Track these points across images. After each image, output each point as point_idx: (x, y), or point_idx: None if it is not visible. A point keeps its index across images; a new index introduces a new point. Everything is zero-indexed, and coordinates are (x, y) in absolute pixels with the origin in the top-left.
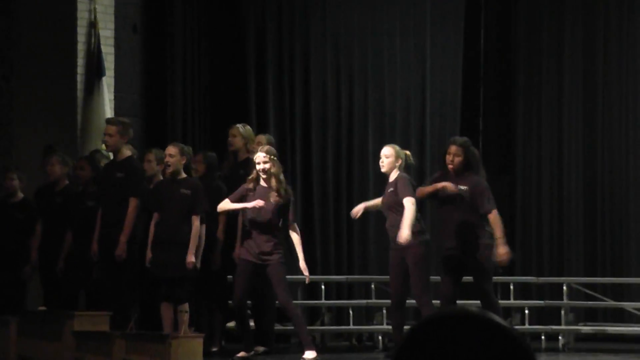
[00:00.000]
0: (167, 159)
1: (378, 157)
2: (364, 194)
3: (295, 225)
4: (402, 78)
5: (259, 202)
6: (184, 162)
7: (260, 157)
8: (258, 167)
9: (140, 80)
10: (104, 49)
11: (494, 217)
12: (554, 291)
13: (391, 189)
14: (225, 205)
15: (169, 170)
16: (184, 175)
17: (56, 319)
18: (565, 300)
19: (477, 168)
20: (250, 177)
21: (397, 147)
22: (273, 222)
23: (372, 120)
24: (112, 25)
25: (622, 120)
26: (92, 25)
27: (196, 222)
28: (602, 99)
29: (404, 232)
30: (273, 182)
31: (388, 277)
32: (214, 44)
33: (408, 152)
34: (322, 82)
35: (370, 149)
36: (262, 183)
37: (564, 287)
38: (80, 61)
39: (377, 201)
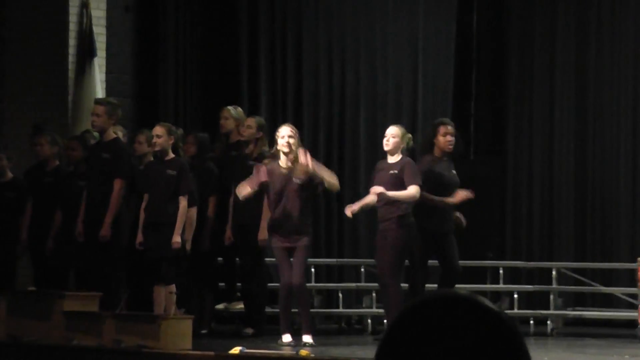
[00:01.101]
0: (155, 139)
1: (370, 139)
2: (355, 176)
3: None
4: (394, 60)
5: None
6: (171, 142)
7: (285, 130)
8: (281, 141)
9: (132, 61)
10: (95, 29)
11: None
12: (543, 276)
13: (394, 171)
14: (244, 190)
15: (155, 150)
16: (171, 155)
17: (46, 299)
18: (554, 285)
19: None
20: (270, 153)
21: (403, 128)
22: (300, 201)
23: (364, 103)
24: (104, 6)
25: (614, 105)
26: (84, 5)
27: (183, 202)
28: (594, 84)
29: (387, 193)
30: (298, 157)
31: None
32: (206, 24)
33: (410, 135)
34: (314, 64)
35: (361, 131)
36: (282, 161)
37: (553, 272)
38: (72, 41)
39: (373, 199)
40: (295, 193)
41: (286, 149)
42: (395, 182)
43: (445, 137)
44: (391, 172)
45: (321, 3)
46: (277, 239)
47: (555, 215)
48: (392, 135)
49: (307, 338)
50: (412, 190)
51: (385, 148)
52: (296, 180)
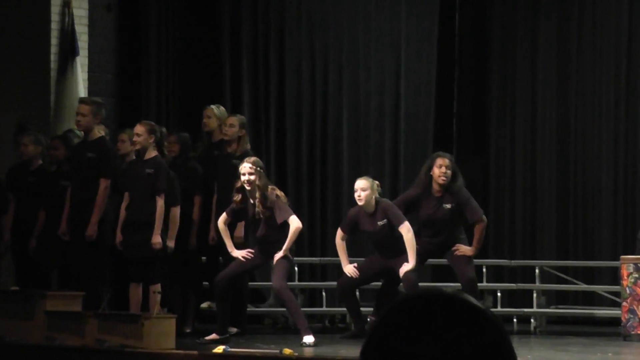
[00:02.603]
0: (135, 138)
1: (353, 139)
2: (337, 175)
3: (290, 220)
4: (376, 60)
5: (248, 254)
6: (151, 141)
7: (245, 167)
8: (243, 178)
9: (114, 60)
10: (77, 28)
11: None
12: (526, 274)
13: (381, 222)
14: (221, 225)
15: (135, 149)
16: (152, 154)
17: (29, 299)
18: (537, 283)
19: (461, 183)
20: (236, 190)
21: (370, 179)
22: (269, 234)
23: (347, 102)
24: (86, 5)
25: (596, 104)
26: (66, 4)
27: (159, 202)
28: (576, 83)
29: (411, 264)
30: (257, 195)
31: (361, 259)
32: (188, 23)
33: (378, 182)
34: (297, 63)
35: (344, 130)
36: (249, 197)
37: (536, 270)
38: (54, 40)
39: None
40: (265, 222)
41: (248, 187)
42: (387, 231)
43: (438, 169)
44: (379, 224)
45: (304, 2)
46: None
47: (537, 214)
48: (362, 188)
49: (307, 339)
50: (407, 234)
51: (359, 203)
52: (265, 214)
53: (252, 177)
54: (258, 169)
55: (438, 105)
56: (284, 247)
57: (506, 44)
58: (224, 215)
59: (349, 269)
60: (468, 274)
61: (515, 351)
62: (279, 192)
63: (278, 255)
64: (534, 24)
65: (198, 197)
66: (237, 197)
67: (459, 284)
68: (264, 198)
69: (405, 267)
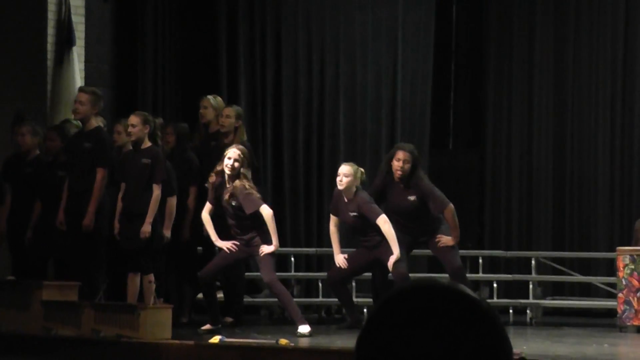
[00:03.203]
0: (130, 128)
1: (349, 130)
2: (334, 167)
3: (261, 210)
4: (373, 51)
5: (233, 246)
6: (146, 131)
7: (234, 152)
8: (227, 161)
9: (110, 50)
10: (74, 18)
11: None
12: (522, 265)
13: (354, 213)
14: (205, 215)
15: (131, 139)
16: (147, 144)
17: (25, 289)
18: (533, 275)
19: (421, 174)
20: (214, 171)
21: (355, 166)
22: (240, 221)
23: (343, 93)
24: None
25: (592, 97)
26: None
27: (156, 191)
28: (572, 75)
29: (395, 255)
30: (237, 182)
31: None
32: (185, 13)
33: (362, 170)
34: (294, 54)
35: (341, 121)
36: (226, 180)
37: (532, 261)
38: (51, 30)
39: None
40: (233, 212)
41: (229, 171)
42: (362, 223)
43: (393, 161)
44: (352, 214)
45: None
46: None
47: (533, 205)
48: (345, 174)
49: (302, 329)
50: (384, 226)
51: (340, 187)
52: (233, 203)
53: (237, 164)
54: (244, 157)
55: (434, 97)
56: (274, 241)
57: (503, 36)
58: (207, 205)
59: (340, 259)
60: (454, 262)
61: (511, 342)
62: (248, 184)
63: (268, 249)
64: (531, 16)
65: (194, 188)
66: (212, 179)
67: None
68: (239, 184)
69: (392, 259)
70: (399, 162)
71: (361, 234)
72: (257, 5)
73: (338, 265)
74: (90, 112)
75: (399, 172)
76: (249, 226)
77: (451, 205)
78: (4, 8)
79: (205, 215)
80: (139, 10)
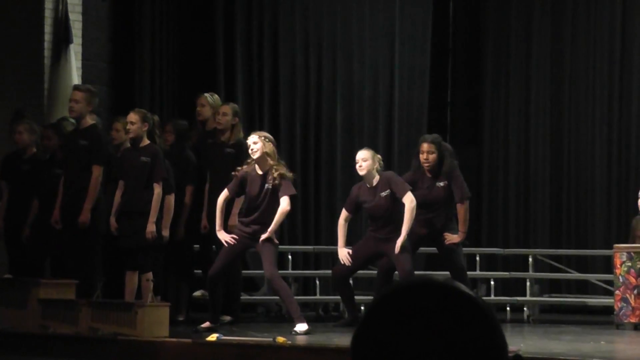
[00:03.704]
0: (128, 126)
1: (346, 127)
2: (331, 165)
3: (282, 199)
4: (371, 48)
5: (232, 240)
6: (145, 129)
7: (252, 138)
8: (249, 151)
9: (108, 48)
10: (71, 16)
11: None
12: (520, 263)
13: (384, 193)
14: (220, 201)
15: (129, 137)
16: (146, 142)
17: (22, 287)
18: (530, 272)
19: (451, 163)
20: (245, 163)
21: (372, 150)
22: (265, 209)
23: (341, 90)
24: None
25: (589, 94)
26: None
27: (157, 189)
28: (570, 73)
29: (402, 236)
30: (269, 162)
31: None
32: (183, 11)
33: (380, 156)
34: (291, 51)
35: (338, 118)
36: (256, 168)
37: (530, 259)
38: (48, 28)
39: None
40: (262, 200)
41: (254, 156)
42: (390, 203)
43: (419, 155)
44: (383, 194)
45: None
46: (238, 231)
47: (531, 203)
48: (363, 159)
49: (299, 327)
50: (410, 204)
51: (360, 173)
52: (267, 186)
53: (257, 146)
54: (262, 137)
55: (432, 94)
56: (271, 228)
57: (500, 34)
58: (225, 192)
59: (343, 254)
60: (456, 263)
61: (508, 339)
62: (285, 171)
63: (263, 236)
64: (528, 14)
65: (190, 187)
66: (239, 171)
67: (447, 272)
68: (272, 167)
69: (398, 242)
70: (423, 154)
71: (382, 223)
72: (254, 3)
73: (341, 260)
74: (86, 109)
75: (427, 164)
76: (263, 215)
77: (468, 202)
78: (1, 6)
79: (221, 201)
80: (137, 8)
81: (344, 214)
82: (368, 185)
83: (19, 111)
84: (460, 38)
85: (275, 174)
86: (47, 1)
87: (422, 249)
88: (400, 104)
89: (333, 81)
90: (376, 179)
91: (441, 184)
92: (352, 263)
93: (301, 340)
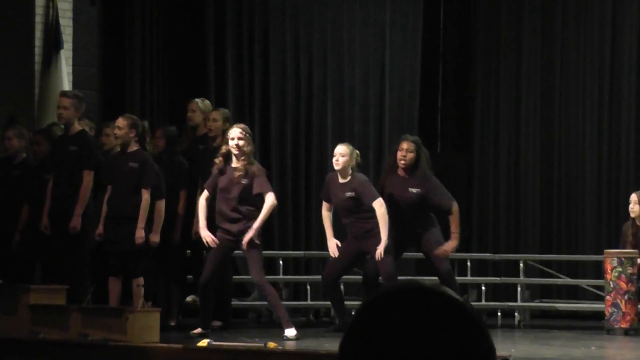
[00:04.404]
0: (116, 130)
1: (337, 132)
2: (322, 170)
3: (267, 196)
4: (361, 53)
5: (214, 242)
6: (132, 135)
7: (235, 132)
8: (231, 142)
9: (98, 53)
10: (62, 21)
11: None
12: (510, 268)
13: (349, 194)
14: (202, 202)
15: (117, 142)
16: (134, 148)
17: (12, 293)
18: (521, 277)
19: (425, 168)
20: (220, 153)
21: (350, 146)
22: (239, 205)
23: (331, 96)
24: None
25: (579, 97)
26: None
27: (145, 195)
28: (560, 78)
29: (383, 242)
30: (242, 158)
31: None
32: (173, 17)
33: (358, 152)
34: (281, 57)
35: (329, 124)
36: (233, 161)
37: (520, 264)
38: (38, 34)
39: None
40: (237, 197)
41: (235, 151)
42: (357, 204)
43: (397, 152)
44: (347, 194)
45: None
46: (220, 233)
47: (521, 208)
48: (341, 154)
49: (288, 332)
50: (380, 209)
51: (336, 167)
52: (243, 181)
53: (242, 142)
54: (247, 135)
55: (422, 100)
56: (255, 224)
57: (490, 39)
58: (205, 193)
59: (332, 245)
60: (443, 266)
61: (499, 345)
62: (260, 167)
63: (248, 235)
64: (518, 19)
65: (184, 192)
66: (219, 160)
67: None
68: (249, 163)
69: (380, 247)
70: (402, 151)
71: (352, 218)
72: (244, 9)
73: (331, 252)
74: (74, 115)
75: (403, 162)
76: (244, 214)
77: (456, 205)
78: None
79: (202, 201)
80: (127, 14)
81: (324, 205)
82: (340, 180)
83: (12, 117)
84: (450, 44)
85: (255, 169)
86: (38, 7)
87: (411, 254)
88: (391, 109)
89: (324, 86)
90: (348, 178)
91: (413, 190)
92: (338, 262)
93: (292, 345)
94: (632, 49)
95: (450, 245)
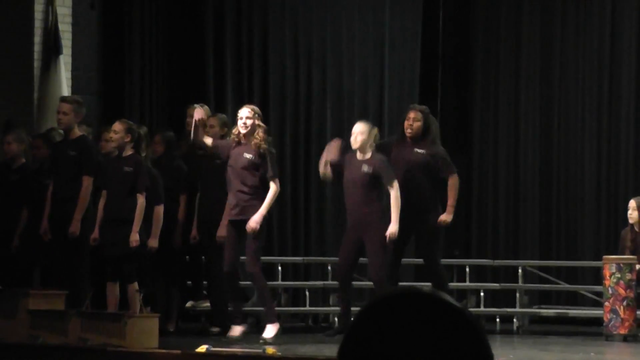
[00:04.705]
0: (111, 134)
1: (337, 136)
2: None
3: (271, 182)
4: (360, 56)
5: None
6: (127, 140)
7: (244, 112)
8: (240, 122)
9: (97, 58)
10: (61, 26)
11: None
12: (509, 274)
13: (367, 170)
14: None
15: (112, 146)
16: (129, 152)
17: (11, 297)
18: (520, 283)
19: (435, 136)
20: (233, 134)
21: (369, 124)
22: (248, 179)
23: (330, 99)
24: (69, 3)
25: (579, 102)
26: (50, 2)
27: (140, 199)
28: (559, 80)
29: (392, 228)
30: (253, 137)
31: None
32: (172, 21)
33: (377, 130)
34: (281, 61)
35: (328, 127)
36: (242, 139)
37: (519, 270)
38: (37, 39)
39: (335, 153)
40: (244, 170)
41: (243, 130)
42: (367, 181)
43: (404, 122)
44: (365, 170)
45: (288, 0)
46: (227, 215)
47: (520, 214)
48: (360, 132)
49: (269, 329)
50: (395, 193)
51: (354, 146)
52: (248, 155)
53: (250, 122)
54: (256, 114)
55: (421, 103)
56: (261, 211)
57: (490, 42)
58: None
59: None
60: (433, 268)
61: (498, 351)
62: (271, 149)
63: (253, 220)
64: (517, 22)
65: (183, 197)
66: (236, 134)
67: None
68: (261, 140)
69: (390, 229)
70: (408, 120)
71: (358, 197)
72: (244, 12)
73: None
74: (74, 121)
75: (409, 131)
76: (249, 186)
77: (457, 177)
78: None
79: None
80: (126, 19)
81: (330, 167)
82: (358, 157)
83: (9, 122)
84: (449, 47)
85: (265, 149)
86: (37, 11)
87: (410, 260)
88: (390, 111)
89: (323, 90)
90: (368, 154)
91: (421, 150)
92: (343, 259)
93: (290, 351)
94: (632, 50)
95: (446, 217)
